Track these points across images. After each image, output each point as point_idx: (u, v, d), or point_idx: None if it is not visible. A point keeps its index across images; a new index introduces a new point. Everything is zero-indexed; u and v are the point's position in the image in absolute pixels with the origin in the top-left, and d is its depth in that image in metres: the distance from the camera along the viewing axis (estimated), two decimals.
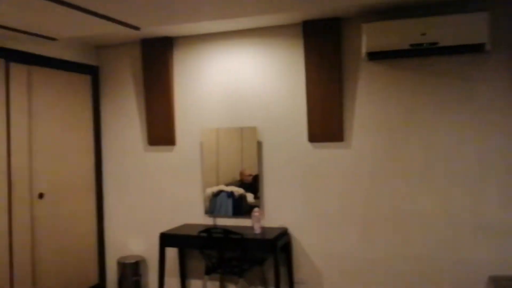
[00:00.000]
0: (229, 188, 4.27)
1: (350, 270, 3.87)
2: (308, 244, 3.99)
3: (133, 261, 4.41)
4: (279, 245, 3.69)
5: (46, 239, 4.09)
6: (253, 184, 4.18)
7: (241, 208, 4.23)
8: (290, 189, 4.04)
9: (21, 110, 3.87)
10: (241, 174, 4.23)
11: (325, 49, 3.81)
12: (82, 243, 4.51)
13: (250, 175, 4.20)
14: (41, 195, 4.05)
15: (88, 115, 4.63)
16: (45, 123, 4.13)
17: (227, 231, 3.64)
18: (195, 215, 4.37)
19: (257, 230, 3.82)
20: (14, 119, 3.80)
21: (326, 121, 3.86)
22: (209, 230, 3.71)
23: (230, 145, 4.26)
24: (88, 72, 4.63)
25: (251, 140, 4.15)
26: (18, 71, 3.85)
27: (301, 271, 4.01)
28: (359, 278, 3.85)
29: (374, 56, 3.56)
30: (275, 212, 4.09)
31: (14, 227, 3.77)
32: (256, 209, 3.93)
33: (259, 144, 4.13)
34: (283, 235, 3.87)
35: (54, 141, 4.22)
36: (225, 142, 4.27)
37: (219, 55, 4.28)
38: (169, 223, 4.38)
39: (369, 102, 3.80)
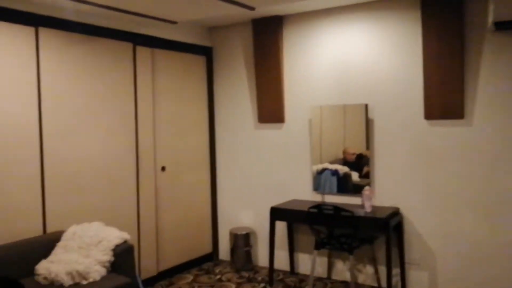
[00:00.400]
0: (334, 166, 4.28)
1: (468, 253, 3.68)
2: (422, 224, 3.86)
3: (244, 232, 4.65)
4: (391, 225, 3.63)
5: (167, 208, 4.46)
6: (356, 162, 4.14)
7: (345, 186, 4.22)
8: (403, 168, 3.92)
9: (146, 90, 4.22)
10: (345, 152, 4.21)
11: (446, 20, 3.59)
12: (198, 213, 4.85)
13: (354, 153, 4.16)
14: (163, 168, 4.41)
15: (203, 94, 4.90)
16: (166, 102, 4.45)
17: (337, 208, 3.66)
18: (303, 191, 4.45)
19: (368, 209, 3.79)
20: (140, 98, 4.16)
21: (445, 97, 3.66)
22: (319, 206, 3.76)
23: (335, 122, 4.24)
24: (203, 53, 4.88)
25: (358, 118, 4.09)
26: (143, 53, 4.18)
27: (413, 252, 3.91)
28: (477, 261, 3.65)
29: (503, 25, 3.27)
30: (386, 191, 4.01)
31: (141, 195, 4.17)
32: (367, 188, 3.89)
33: (370, 122, 4.05)
34: (395, 214, 3.79)
35: (173, 119, 4.54)
36: (330, 119, 4.27)
37: (328, 32, 4.24)
38: (278, 198, 4.52)
39: (495, 76, 3.52)
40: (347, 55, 4.15)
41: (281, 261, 4.58)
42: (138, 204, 4.15)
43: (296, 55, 4.44)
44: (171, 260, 4.50)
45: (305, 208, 3.89)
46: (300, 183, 4.47)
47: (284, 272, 4.53)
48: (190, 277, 4.47)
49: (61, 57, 3.49)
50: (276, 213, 4.15)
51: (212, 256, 5.03)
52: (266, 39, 4.48)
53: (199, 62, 4.84)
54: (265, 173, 4.69)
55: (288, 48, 4.47)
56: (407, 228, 3.93)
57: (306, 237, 4.44)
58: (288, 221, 4.34)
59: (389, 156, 3.99)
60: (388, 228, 3.56)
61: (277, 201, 4.47)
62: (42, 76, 3.36)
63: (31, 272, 2.98)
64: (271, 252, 4.20)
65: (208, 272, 4.63)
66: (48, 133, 3.40)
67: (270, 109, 4.57)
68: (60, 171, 3.48)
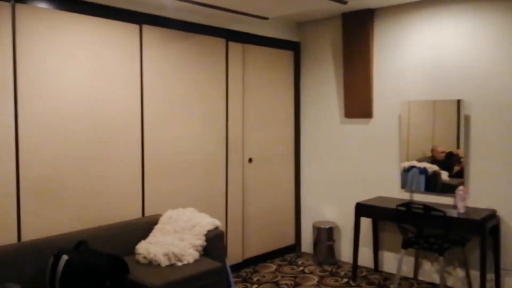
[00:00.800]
0: (422, 164, 4.13)
1: None
2: None
3: (327, 226, 4.66)
4: (487, 227, 3.44)
5: (253, 198, 4.60)
6: (446, 161, 3.96)
7: (434, 185, 4.06)
8: (504, 168, 3.69)
9: (237, 84, 4.37)
10: (433, 150, 4.05)
11: None
12: (282, 205, 4.94)
13: (443, 151, 3.98)
14: (250, 160, 4.55)
15: (290, 88, 4.96)
16: (254, 96, 4.58)
17: (428, 207, 3.55)
18: (389, 189, 4.36)
19: (461, 209, 3.62)
20: (231, 92, 4.32)
21: None
22: (408, 204, 3.67)
23: (423, 119, 4.09)
24: (291, 48, 4.93)
25: (449, 114, 3.90)
26: (235, 48, 4.33)
27: (509, 258, 3.68)
28: None
29: None
30: (481, 192, 3.80)
31: (229, 185, 4.34)
32: (461, 187, 3.72)
33: (466, 118, 3.85)
34: (492, 217, 3.59)
35: (260, 112, 4.66)
36: (419, 115, 4.13)
37: (421, 24, 4.09)
38: (363, 195, 4.47)
39: None
40: (440, 48, 3.98)
41: (365, 258, 4.53)
42: (227, 193, 4.32)
43: (386, 49, 4.34)
44: (255, 249, 4.64)
45: (393, 206, 3.81)
46: (387, 180, 4.38)
47: (368, 269, 4.48)
48: (273, 267, 4.58)
49: (160, 52, 3.73)
50: (362, 209, 4.12)
51: (295, 247, 5.10)
52: (356, 33, 4.43)
53: (287, 57, 4.91)
54: (351, 168, 4.66)
55: (378, 42, 4.38)
56: (504, 232, 3.70)
57: (391, 235, 4.34)
58: (374, 218, 4.28)
59: (487, 155, 3.77)
60: (483, 231, 3.38)
61: (362, 197, 4.42)
62: (144, 70, 3.62)
63: (131, 252, 3.24)
64: (355, 248, 4.17)
65: (290, 263, 4.71)
66: (148, 123, 3.66)
67: (358, 104, 4.51)
68: (157, 159, 3.74)
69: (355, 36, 4.44)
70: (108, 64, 3.38)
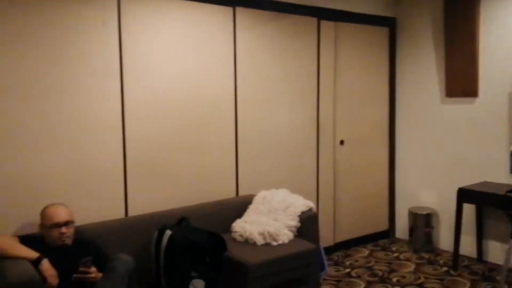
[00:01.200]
0: None
1: None
2: None
3: (425, 212, 4.43)
4: None
5: (344, 182, 4.50)
6: None
7: None
8: None
9: (328, 63, 4.26)
10: None
11: None
12: (375, 189, 4.78)
13: None
14: (341, 142, 4.44)
15: (384, 67, 4.74)
16: (346, 75, 4.44)
17: None
18: (496, 174, 4.01)
19: None
20: (322, 72, 4.22)
21: None
22: None
23: None
24: (386, 25, 4.70)
25: None
26: (327, 27, 4.22)
27: None
28: None
29: None
30: None
31: (320, 167, 4.28)
32: None
33: None
34: None
35: (353, 93, 4.51)
36: None
37: None
38: (466, 179, 4.16)
39: None
40: None
41: (466, 247, 4.24)
42: (318, 176, 4.27)
43: (494, 24, 3.95)
44: (346, 232, 4.55)
45: (501, 192, 3.52)
46: (493, 164, 4.04)
47: (470, 259, 4.20)
48: (366, 251, 4.47)
49: (253, 34, 3.74)
50: (465, 195, 3.84)
51: (388, 233, 4.92)
52: (460, 8, 4.08)
53: (381, 34, 4.68)
54: (452, 151, 4.36)
55: (485, 16, 4.01)
56: None
57: (498, 224, 4.02)
58: (479, 204, 3.98)
59: None
60: None
61: (464, 182, 4.12)
62: (238, 52, 3.65)
63: (227, 230, 3.32)
64: (457, 235, 3.92)
65: (384, 248, 4.56)
66: (242, 105, 3.70)
67: (461, 82, 4.19)
68: (250, 140, 3.78)
69: (459, 12, 4.10)
70: (204, 47, 3.46)
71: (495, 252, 4.08)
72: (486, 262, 4.12)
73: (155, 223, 2.95)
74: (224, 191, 3.64)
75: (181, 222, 2.96)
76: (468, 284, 3.66)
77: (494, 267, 3.97)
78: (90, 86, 2.94)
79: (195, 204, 3.40)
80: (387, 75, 4.77)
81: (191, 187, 3.44)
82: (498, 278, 3.73)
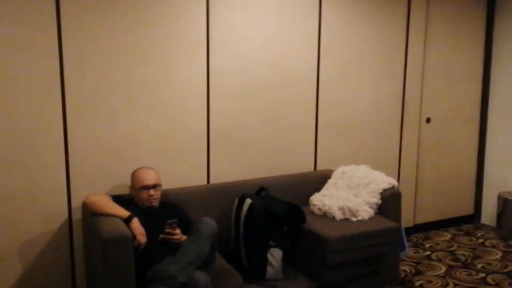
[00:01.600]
0: None
1: None
2: None
3: None
4: None
5: (428, 161, 4.29)
6: None
7: None
8: None
9: (418, 36, 4.03)
10: None
11: None
12: (461, 171, 4.52)
13: None
14: (428, 120, 4.22)
15: (479, 40, 4.41)
16: (437, 50, 4.18)
17: None
18: None
19: None
20: (411, 46, 4.00)
21: None
22: None
23: None
24: None
25: None
26: None
27: None
28: None
29: None
30: None
31: (403, 145, 4.11)
32: None
33: None
34: None
35: (443, 68, 4.25)
36: None
37: None
38: None
39: None
40: None
41: None
42: (400, 154, 4.11)
43: None
44: (428, 214, 4.37)
45: None
46: None
47: None
48: (447, 235, 4.27)
49: (338, 7, 3.61)
50: None
51: (473, 218, 4.66)
52: None
53: (477, 5, 4.33)
54: None
55: None
56: None
57: None
58: None
59: None
60: None
61: None
62: (322, 25, 3.55)
63: (305, 202, 3.31)
64: None
65: (468, 234, 4.33)
66: (324, 79, 3.62)
67: None
68: (330, 116, 3.70)
69: None
70: (288, 20, 3.40)
71: None
72: None
73: (236, 191, 3.01)
74: (303, 165, 3.63)
75: (261, 191, 3.00)
76: None
77: None
78: (180, 55, 3.02)
79: (275, 175, 3.42)
80: (482, 50, 4.43)
81: (270, 159, 3.46)
82: None
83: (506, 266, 3.56)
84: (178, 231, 2.53)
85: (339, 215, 3.04)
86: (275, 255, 2.75)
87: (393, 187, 3.23)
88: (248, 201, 2.82)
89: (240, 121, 3.31)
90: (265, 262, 2.72)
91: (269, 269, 2.73)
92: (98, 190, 2.81)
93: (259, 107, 3.37)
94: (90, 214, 2.50)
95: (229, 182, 3.22)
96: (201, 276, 2.32)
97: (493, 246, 3.99)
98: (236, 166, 3.33)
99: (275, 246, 2.77)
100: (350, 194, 3.21)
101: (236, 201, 2.91)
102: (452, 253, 3.84)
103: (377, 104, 3.91)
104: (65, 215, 2.79)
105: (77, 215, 2.81)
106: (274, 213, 2.78)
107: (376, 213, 3.13)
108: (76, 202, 2.79)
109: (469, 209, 4.63)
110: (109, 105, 2.84)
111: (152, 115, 2.98)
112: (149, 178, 2.66)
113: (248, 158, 3.37)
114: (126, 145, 2.92)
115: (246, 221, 2.79)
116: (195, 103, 3.12)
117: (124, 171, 2.82)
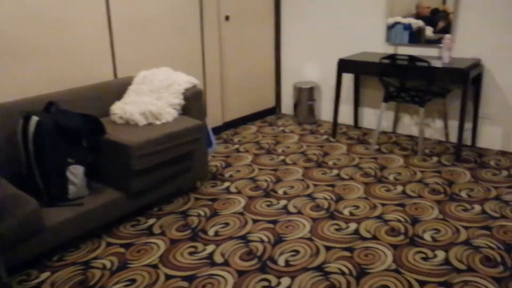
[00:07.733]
0: (406, 20, 3.93)
1: None
2: (503, 79, 3.59)
3: (308, 86, 4.57)
4: (471, 76, 3.38)
5: (231, 60, 4.39)
6: (431, 17, 3.78)
7: (418, 40, 3.93)
8: (492, 16, 3.52)
9: None
10: (418, 6, 3.86)
11: None
12: (262, 67, 4.77)
13: (428, 7, 3.78)
14: (227, 18, 4.24)
15: None
16: None
17: (413, 58, 3.43)
18: (374, 44, 4.19)
19: (446, 59, 3.52)
20: None
21: None
22: (392, 56, 3.54)
23: None
24: None
25: None
26: None
27: (489, 107, 3.71)
28: None
29: None
30: (467, 42, 3.68)
31: (205, 45, 4.09)
32: (448, 36, 3.57)
33: None
34: (475, 66, 3.51)
35: None
36: None
37: None
38: (347, 51, 4.30)
39: None
40: None
41: (345, 116, 4.54)
42: (203, 54, 4.09)
43: None
44: (235, 112, 4.57)
45: (376, 60, 3.69)
46: (371, 36, 4.19)
47: (348, 126, 4.53)
48: (254, 128, 4.58)
49: None
50: (344, 65, 3.98)
51: (275, 110, 5.07)
52: None
53: None
54: (333, 25, 4.41)
55: None
56: (486, 81, 3.67)
57: (372, 92, 4.30)
58: (357, 73, 4.17)
59: (475, 7, 3.57)
60: (467, 80, 3.32)
61: (345, 54, 4.27)
62: None
63: (106, 114, 3.11)
64: (336, 104, 4.13)
65: (271, 124, 4.71)
66: None
67: None
68: (125, 18, 3.41)
69: None
70: None
71: (370, 118, 4.42)
72: (361, 128, 4.48)
73: (19, 111, 2.62)
74: (100, 74, 3.34)
75: (50, 107, 2.67)
76: (344, 147, 3.97)
77: (368, 132, 4.34)
78: None
79: (67, 88, 3.08)
80: None
81: (60, 70, 3.08)
82: (370, 140, 4.09)
83: (301, 147, 4.02)
84: None
85: (142, 121, 2.93)
86: (75, 172, 2.55)
87: (194, 86, 3.22)
88: (35, 118, 2.49)
89: (15, 28, 2.80)
90: (65, 181, 2.51)
91: (71, 188, 2.54)
92: None
93: (37, 8, 2.88)
94: None
95: (10, 102, 2.78)
96: None
97: (291, 132, 4.44)
98: (17, 83, 2.87)
99: (75, 163, 2.56)
100: (152, 98, 3.09)
101: (21, 121, 2.54)
102: (257, 143, 4.15)
103: (172, 2, 3.73)
104: None
105: None
106: (66, 127, 2.52)
107: (180, 114, 3.11)
108: None
109: (271, 102, 5.00)
110: None
111: None
112: None
113: (31, 72, 2.93)
114: None
115: (35, 141, 2.48)
116: None
117: None
